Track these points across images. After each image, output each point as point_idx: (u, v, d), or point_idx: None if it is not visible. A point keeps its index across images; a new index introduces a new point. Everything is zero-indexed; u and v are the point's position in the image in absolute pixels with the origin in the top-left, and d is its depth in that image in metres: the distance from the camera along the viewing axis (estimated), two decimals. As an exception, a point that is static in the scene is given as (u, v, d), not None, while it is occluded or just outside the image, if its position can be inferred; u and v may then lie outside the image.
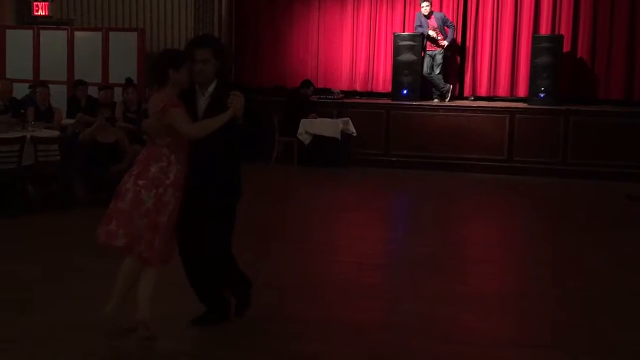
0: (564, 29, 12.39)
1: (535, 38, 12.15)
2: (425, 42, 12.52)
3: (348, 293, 5.60)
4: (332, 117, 12.14)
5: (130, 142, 8.57)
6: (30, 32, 12.48)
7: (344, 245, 7.30)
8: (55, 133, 8.80)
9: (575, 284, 5.98)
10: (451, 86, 12.64)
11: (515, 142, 11.78)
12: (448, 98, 12.52)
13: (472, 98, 12.83)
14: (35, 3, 13.08)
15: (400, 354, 4.44)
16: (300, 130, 11.91)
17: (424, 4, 12.41)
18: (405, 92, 12.42)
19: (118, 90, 10.82)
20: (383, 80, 13.21)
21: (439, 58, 12.54)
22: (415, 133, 12.08)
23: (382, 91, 13.16)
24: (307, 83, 12.59)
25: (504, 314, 5.27)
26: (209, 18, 13.38)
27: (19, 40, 12.43)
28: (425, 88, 12.62)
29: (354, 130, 12.06)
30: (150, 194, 4.21)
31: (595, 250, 7.11)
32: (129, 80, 10.80)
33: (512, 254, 7.17)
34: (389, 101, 12.56)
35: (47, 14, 13.11)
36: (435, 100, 12.55)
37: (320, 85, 13.16)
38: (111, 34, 12.36)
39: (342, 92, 13.16)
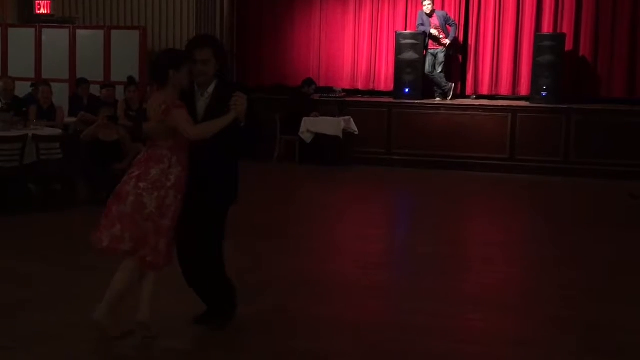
0: (566, 28, 12.37)
1: (538, 36, 12.13)
2: (427, 40, 12.50)
3: (350, 292, 5.60)
4: (334, 116, 12.13)
5: (132, 141, 8.57)
6: (32, 30, 12.49)
7: (345, 244, 7.30)
8: (57, 131, 8.81)
9: (578, 282, 5.97)
10: (453, 85, 12.62)
11: (517, 140, 11.76)
12: (450, 97, 12.51)
13: (474, 97, 12.82)
14: (37, 1, 13.07)
15: (402, 353, 4.43)
16: (302, 128, 11.90)
17: (426, 2, 12.39)
18: (407, 90, 12.41)
19: (120, 89, 10.84)
20: (385, 78, 13.20)
21: (441, 56, 12.53)
22: (417, 132, 12.08)
23: (384, 90, 13.14)
24: (309, 81, 12.59)
25: (506, 312, 5.26)
26: (211, 16, 13.38)
27: (21, 38, 12.44)
28: (427, 87, 12.60)
29: (356, 129, 12.06)
30: (152, 197, 4.16)
31: (597, 249, 7.10)
32: (131, 79, 10.80)
33: (515, 252, 7.16)
34: (391, 100, 12.55)
35: (49, 12, 13.11)
36: (437, 98, 12.53)
37: (322, 84, 13.15)
38: (113, 32, 12.37)
39: (344, 90, 13.15)
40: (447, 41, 12.47)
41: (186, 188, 4.26)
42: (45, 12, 13.12)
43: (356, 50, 13.40)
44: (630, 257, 6.85)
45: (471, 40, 12.92)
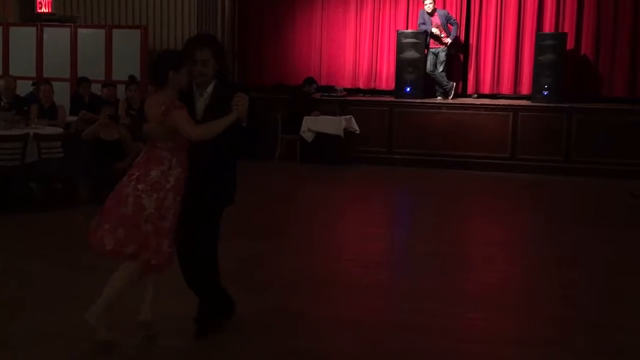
0: (568, 27, 12.36)
1: (539, 35, 12.12)
2: (428, 39, 12.49)
3: (351, 291, 5.60)
4: (335, 115, 12.12)
5: (134, 140, 8.57)
6: (33, 29, 12.49)
7: (346, 243, 7.30)
8: (58, 130, 8.81)
9: (579, 282, 5.96)
10: (454, 84, 12.62)
11: (518, 139, 11.76)
12: (451, 96, 12.50)
13: (476, 96, 12.81)
14: (38, 0, 13.08)
15: (403, 352, 4.43)
16: (304, 127, 11.90)
17: (428, 1, 12.38)
18: (408, 89, 12.41)
19: (121, 88, 10.84)
20: (386, 77, 13.20)
21: (442, 55, 12.52)
22: (418, 131, 12.07)
23: (385, 89, 13.14)
24: (310, 81, 12.59)
25: (507, 312, 5.26)
26: (212, 15, 13.38)
27: (22, 37, 12.44)
28: (428, 86, 12.59)
29: (357, 128, 12.05)
30: (151, 199, 4.12)
31: (598, 248, 7.10)
32: (132, 78, 10.80)
33: (515, 251, 7.16)
34: (392, 99, 12.54)
35: (50, 11, 13.12)
36: (439, 97, 12.53)
37: (324, 83, 13.15)
38: (114, 31, 12.37)
39: (345, 89, 13.15)
40: (449, 40, 12.47)
41: (185, 188, 4.23)
42: (47, 11, 13.12)
43: (357, 49, 13.40)
44: (631, 256, 6.85)
45: (472, 39, 12.92)
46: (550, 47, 11.84)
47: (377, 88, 13.31)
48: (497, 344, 4.62)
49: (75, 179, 8.65)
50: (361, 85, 13.39)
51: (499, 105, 12.09)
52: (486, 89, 12.84)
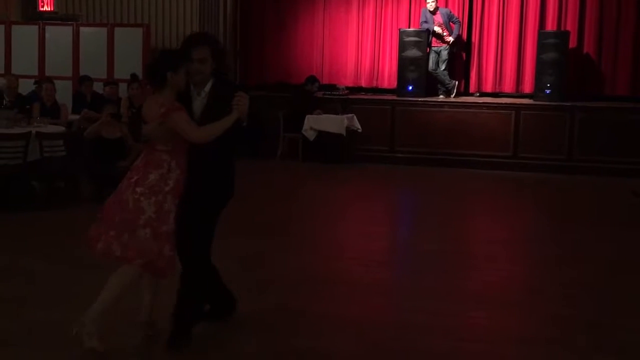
0: (570, 25, 12.34)
1: (541, 34, 12.11)
2: (430, 38, 12.49)
3: (353, 289, 5.60)
4: (337, 113, 12.12)
5: (134, 141, 8.57)
6: (35, 27, 12.49)
7: (348, 242, 7.30)
8: (60, 129, 8.81)
9: (581, 281, 5.96)
10: (457, 82, 12.61)
11: (520, 138, 11.75)
12: (453, 94, 12.49)
13: (478, 94, 12.80)
14: (40, -1, 13.11)
15: (405, 351, 4.43)
16: (305, 126, 11.90)
17: (430, -1, 12.40)
18: (410, 88, 12.40)
19: (123, 86, 10.85)
20: (388, 76, 13.19)
21: (444, 54, 12.51)
22: (420, 129, 12.06)
23: (388, 87, 13.13)
24: (312, 79, 12.59)
25: (509, 310, 5.26)
26: (214, 14, 13.38)
27: (24, 36, 12.45)
28: (430, 84, 12.59)
29: (359, 127, 12.06)
30: (150, 202, 4.07)
31: (601, 247, 7.09)
32: (134, 76, 10.80)
33: (518, 250, 7.15)
34: (394, 97, 12.54)
35: (52, 9, 13.13)
36: (441, 96, 12.52)
37: (326, 82, 13.15)
38: (116, 29, 12.36)
39: (347, 88, 13.15)
40: (451, 38, 12.46)
41: (184, 189, 4.17)
42: (49, 9, 13.14)
43: (359, 48, 13.39)
44: (633, 255, 6.84)
45: (475, 38, 12.90)
46: (552, 45, 11.82)
47: (379, 86, 13.30)
48: (498, 342, 4.62)
49: (78, 177, 8.66)
50: (363, 84, 13.39)
51: (501, 103, 12.08)
52: (488, 87, 12.82)
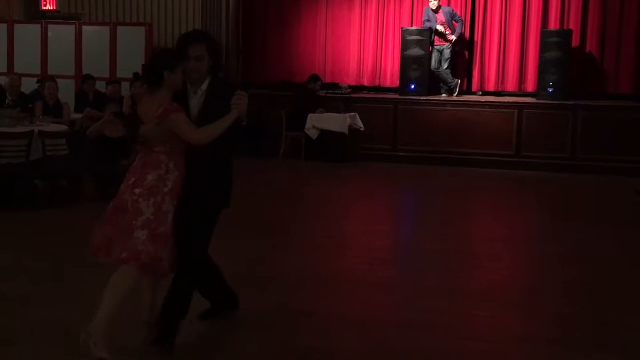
0: (573, 24, 12.34)
1: (544, 32, 12.10)
2: (433, 36, 12.48)
3: (355, 288, 5.60)
4: (339, 112, 12.13)
5: (131, 142, 8.55)
6: (38, 26, 12.51)
7: (351, 241, 7.30)
8: (62, 127, 8.83)
9: (584, 279, 5.96)
10: (459, 81, 12.60)
11: (523, 137, 11.74)
12: (456, 93, 12.49)
13: (480, 93, 12.79)
14: (43, -2, 13.14)
15: (408, 349, 4.43)
16: (308, 125, 11.90)
17: (432, -2, 12.39)
18: (412, 86, 12.40)
19: (126, 85, 10.85)
20: (391, 75, 13.19)
21: (446, 53, 12.51)
22: (422, 128, 12.06)
23: (390, 86, 13.13)
24: (314, 78, 12.59)
25: (512, 309, 5.26)
26: (216, 12, 13.38)
27: (27, 34, 12.47)
28: (433, 83, 12.59)
29: (362, 125, 12.05)
30: (148, 203, 4.03)
31: (604, 246, 7.08)
32: (136, 75, 10.80)
33: (520, 249, 7.15)
34: (397, 96, 12.54)
35: (55, 8, 13.16)
36: (443, 95, 12.52)
37: (328, 80, 13.16)
38: (119, 28, 12.38)
39: (350, 86, 13.15)
40: (453, 37, 12.45)
41: (182, 189, 4.13)
42: (51, 8, 13.17)
43: (362, 47, 13.39)
44: (635, 254, 6.83)
45: (477, 36, 12.90)
46: (555, 44, 11.82)
47: (382, 85, 13.30)
48: (501, 341, 4.61)
49: (80, 176, 8.66)
50: (366, 83, 13.39)
51: (504, 102, 12.07)
52: (491, 86, 12.82)
